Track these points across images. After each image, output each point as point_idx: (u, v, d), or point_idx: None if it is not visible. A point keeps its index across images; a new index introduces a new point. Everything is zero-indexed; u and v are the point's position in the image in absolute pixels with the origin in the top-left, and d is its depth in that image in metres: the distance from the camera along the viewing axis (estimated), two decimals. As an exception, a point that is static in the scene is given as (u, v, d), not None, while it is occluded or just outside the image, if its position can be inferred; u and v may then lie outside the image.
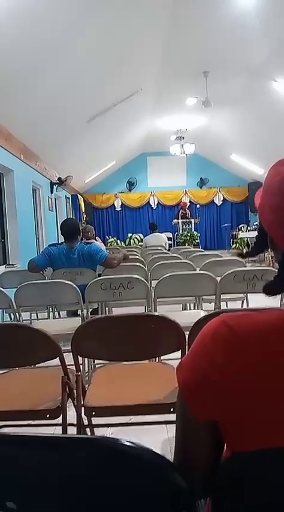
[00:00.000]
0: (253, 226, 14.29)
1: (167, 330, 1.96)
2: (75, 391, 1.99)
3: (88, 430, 2.15)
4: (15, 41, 4.74)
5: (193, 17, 6.31)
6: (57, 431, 1.97)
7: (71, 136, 9.13)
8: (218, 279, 3.43)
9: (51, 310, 4.56)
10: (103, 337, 2.01)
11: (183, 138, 12.84)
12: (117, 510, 0.72)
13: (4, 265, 6.84)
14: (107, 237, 15.46)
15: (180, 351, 1.95)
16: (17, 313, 3.47)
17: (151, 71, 8.18)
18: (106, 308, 4.12)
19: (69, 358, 2.01)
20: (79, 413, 1.93)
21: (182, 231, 14.77)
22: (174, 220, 15.51)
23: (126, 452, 0.71)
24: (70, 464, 0.73)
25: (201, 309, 3.97)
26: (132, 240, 15.00)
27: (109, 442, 0.77)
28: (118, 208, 16.89)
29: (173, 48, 7.22)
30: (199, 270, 4.18)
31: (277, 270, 0.82)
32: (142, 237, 14.10)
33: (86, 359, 2.98)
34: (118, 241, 15.26)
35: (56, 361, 2.00)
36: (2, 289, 3.53)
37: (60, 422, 1.91)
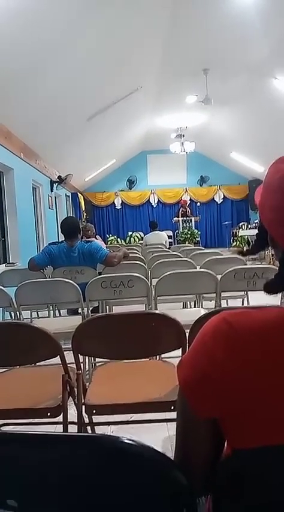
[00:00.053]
0: (254, 224, 14.28)
1: (167, 328, 1.96)
2: (75, 389, 1.99)
3: (89, 428, 2.15)
4: (15, 41, 4.74)
5: (193, 17, 6.30)
6: (58, 429, 1.97)
7: (71, 135, 9.13)
8: (219, 277, 3.43)
9: (51, 308, 4.56)
10: (103, 336, 2.01)
11: (183, 136, 12.83)
12: (117, 507, 0.72)
13: (4, 264, 6.84)
14: (107, 236, 15.45)
15: (180, 349, 1.95)
16: (17, 312, 3.48)
17: (151, 71, 8.18)
18: (107, 306, 4.11)
19: (69, 357, 2.01)
20: (80, 411, 1.93)
21: (182, 229, 14.75)
22: (174, 219, 15.49)
23: (126, 450, 0.71)
24: (71, 463, 0.73)
25: (202, 307, 3.97)
26: (132, 239, 14.99)
27: (110, 440, 0.77)
28: (118, 207, 16.88)
29: (173, 47, 7.22)
30: (200, 268, 4.18)
31: (277, 268, 0.82)
32: (142, 235, 14.08)
33: (87, 357, 2.98)
34: (119, 239, 15.26)
35: (57, 360, 2.00)
36: (2, 287, 3.53)
37: (61, 420, 1.91)
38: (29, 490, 0.73)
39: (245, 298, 4.22)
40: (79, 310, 3.62)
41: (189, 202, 16.22)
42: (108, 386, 2.12)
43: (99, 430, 2.38)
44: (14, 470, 0.73)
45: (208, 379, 0.75)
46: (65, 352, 1.98)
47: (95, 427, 2.28)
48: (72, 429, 1.95)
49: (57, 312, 4.59)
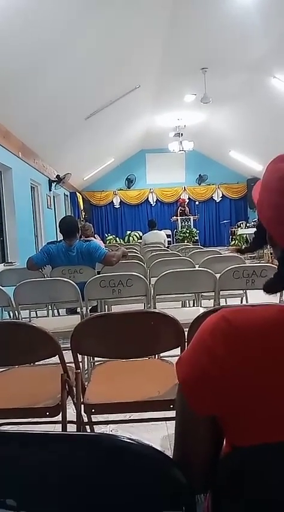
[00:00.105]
0: (252, 223, 14.30)
1: (166, 327, 1.96)
2: (74, 388, 1.99)
3: (88, 427, 2.15)
4: (15, 41, 4.73)
5: (193, 17, 6.31)
6: (57, 429, 1.97)
7: (70, 134, 9.13)
8: (218, 275, 3.43)
9: (50, 308, 4.55)
10: (102, 335, 2.01)
11: (182, 134, 12.84)
12: (117, 506, 0.72)
13: (3, 263, 6.84)
14: (106, 235, 15.46)
15: (179, 347, 1.95)
16: (16, 311, 3.47)
17: (151, 70, 8.18)
18: (106, 305, 4.12)
19: (68, 356, 2.01)
20: (78, 410, 1.93)
21: (181, 228, 14.77)
22: (173, 217, 15.52)
23: (126, 449, 0.71)
24: (70, 462, 0.73)
25: (200, 306, 3.97)
26: (131, 238, 15.01)
27: (109, 439, 0.77)
28: (117, 206, 16.87)
29: (173, 47, 7.23)
30: (198, 266, 4.18)
31: (276, 267, 0.81)
32: (141, 234, 14.09)
33: (86, 356, 2.98)
34: (117, 238, 15.27)
35: (56, 359, 2.00)
36: (1, 287, 3.53)
37: (60, 419, 1.90)
38: (28, 490, 0.73)
39: (244, 297, 4.23)
40: (78, 310, 3.62)
41: (187, 201, 16.26)
42: (107, 386, 2.12)
43: (98, 429, 2.39)
44: (13, 470, 0.73)
45: (207, 377, 0.75)
46: (63, 352, 1.98)
47: (94, 426, 2.28)
48: (71, 428, 1.95)
49: (55, 311, 4.59)
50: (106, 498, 0.72)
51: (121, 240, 14.85)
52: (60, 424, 1.91)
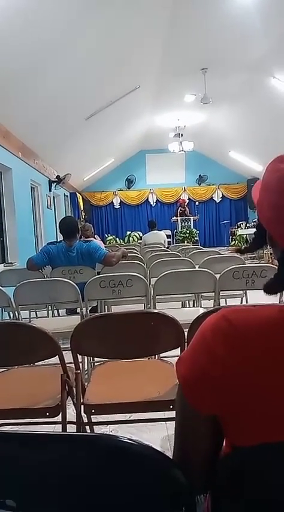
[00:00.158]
0: (252, 223, 14.31)
1: (166, 327, 1.96)
2: (74, 389, 1.99)
3: (87, 428, 2.15)
4: (15, 41, 4.74)
5: (193, 17, 6.32)
6: (57, 429, 1.97)
7: (70, 134, 9.13)
8: (218, 276, 3.43)
9: (50, 308, 4.55)
10: (102, 335, 2.01)
11: (182, 135, 12.84)
12: (117, 506, 0.72)
13: (3, 264, 6.84)
14: (106, 235, 15.46)
15: (179, 348, 1.95)
16: (16, 312, 3.47)
17: (151, 71, 8.19)
18: (106, 306, 4.12)
19: (68, 356, 2.01)
20: (78, 411, 1.93)
21: (181, 229, 14.77)
22: (173, 218, 15.52)
23: (126, 449, 0.71)
24: (70, 462, 0.73)
25: (200, 306, 3.97)
26: (131, 238, 15.02)
27: (109, 439, 0.77)
28: (117, 206, 16.87)
29: (173, 47, 7.23)
30: (198, 267, 4.18)
31: (276, 267, 0.81)
32: (141, 234, 14.09)
33: (85, 357, 2.98)
34: (117, 239, 15.27)
35: (55, 359, 2.00)
36: (1, 287, 3.53)
37: (60, 420, 1.90)
38: (28, 490, 0.73)
39: (244, 298, 4.22)
40: (78, 310, 3.62)
41: (187, 201, 16.26)
42: (107, 386, 2.12)
43: (98, 429, 2.39)
44: (13, 470, 0.73)
45: (207, 376, 0.75)
46: (63, 352, 1.98)
47: (94, 426, 2.28)
48: (71, 429, 1.95)
49: (55, 311, 4.59)
50: (106, 499, 0.72)
51: (121, 241, 14.86)
52: (60, 425, 1.91)
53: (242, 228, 14.64)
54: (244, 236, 13.49)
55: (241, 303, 4.24)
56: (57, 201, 12.16)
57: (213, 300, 3.62)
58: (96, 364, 2.87)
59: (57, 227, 5.53)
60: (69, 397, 2.00)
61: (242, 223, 15.35)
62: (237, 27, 6.39)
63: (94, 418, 2.18)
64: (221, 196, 16.90)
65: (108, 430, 2.54)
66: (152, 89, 9.32)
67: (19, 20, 4.46)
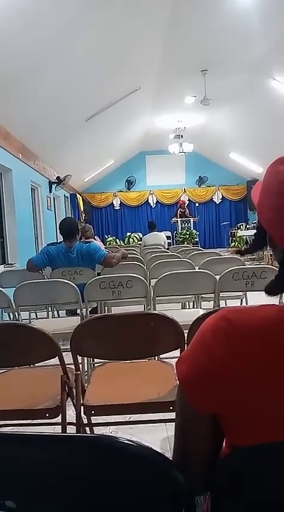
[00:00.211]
0: (252, 225, 14.31)
1: (166, 329, 1.96)
2: (74, 390, 1.99)
3: (87, 429, 2.15)
4: (15, 41, 4.74)
5: (193, 17, 6.32)
6: (57, 430, 1.97)
7: (70, 135, 9.13)
8: (217, 277, 3.43)
9: (50, 309, 4.56)
10: (102, 336, 2.01)
11: (182, 136, 12.84)
12: (117, 507, 0.72)
13: (3, 265, 6.83)
14: (106, 236, 15.46)
15: (178, 349, 1.95)
16: (16, 313, 3.47)
17: (151, 71, 8.19)
18: (106, 307, 4.12)
19: (68, 358, 2.01)
20: (78, 412, 1.93)
21: (181, 230, 14.78)
22: (172, 219, 15.53)
23: (125, 450, 0.71)
24: (70, 463, 0.73)
25: (200, 308, 3.97)
26: (131, 239, 15.02)
27: (109, 440, 0.77)
28: (117, 207, 16.88)
29: (173, 48, 7.23)
30: (198, 268, 4.18)
31: (276, 269, 0.82)
32: (141, 236, 14.10)
33: (85, 358, 2.98)
34: (117, 240, 15.27)
35: (55, 361, 2.00)
36: (1, 288, 3.53)
37: (60, 421, 1.90)
38: (28, 490, 0.73)
39: (244, 299, 4.22)
40: (78, 311, 3.62)
41: (187, 202, 16.25)
42: (107, 387, 2.12)
43: (98, 430, 2.38)
44: (13, 470, 0.73)
45: (208, 376, 0.75)
46: (63, 353, 1.98)
47: (94, 427, 2.28)
48: (71, 430, 1.95)
49: (55, 312, 4.59)
50: (105, 500, 0.71)
51: (121, 242, 14.85)
52: (60, 426, 1.91)
53: (242, 230, 14.64)
54: (244, 237, 13.49)
55: (241, 304, 4.24)
56: (57, 202, 12.16)
57: (212, 302, 3.62)
58: (96, 365, 2.87)
59: (57, 228, 5.52)
60: (69, 398, 2.00)
61: (242, 225, 15.35)
62: (237, 27, 6.39)
63: (94, 419, 2.18)
64: (221, 197, 16.90)
65: (107, 431, 2.53)
66: (152, 90, 9.33)
67: (19, 20, 4.46)
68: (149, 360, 2.53)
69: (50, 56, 5.53)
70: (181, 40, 6.99)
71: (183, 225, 14.98)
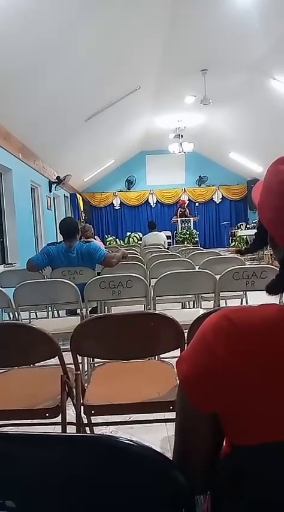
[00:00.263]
0: (252, 224, 14.32)
1: (166, 328, 1.96)
2: (74, 390, 1.99)
3: (87, 429, 2.15)
4: (15, 41, 4.74)
5: (192, 17, 6.32)
6: (57, 430, 1.97)
7: (70, 135, 9.13)
8: (218, 277, 3.43)
9: (50, 309, 4.56)
10: (102, 336, 2.01)
11: (182, 136, 12.84)
12: (117, 507, 0.71)
13: (3, 265, 6.83)
14: (106, 236, 15.46)
15: (179, 349, 1.95)
16: (16, 313, 3.47)
17: (151, 71, 8.19)
18: (106, 307, 4.12)
19: (68, 357, 2.01)
20: (78, 412, 1.92)
21: (181, 229, 14.78)
22: (173, 219, 15.53)
23: (125, 450, 0.71)
24: (70, 463, 0.73)
25: (200, 307, 3.97)
26: (131, 239, 15.02)
27: (109, 440, 0.77)
28: (117, 207, 16.87)
29: (173, 47, 7.24)
30: (198, 268, 4.18)
31: (277, 268, 0.82)
32: (141, 235, 14.10)
33: (85, 358, 2.98)
34: (117, 240, 15.27)
35: (55, 360, 2.00)
36: (1, 288, 3.53)
37: (60, 421, 1.90)
38: (28, 490, 0.73)
39: (244, 299, 4.22)
40: (78, 311, 3.62)
41: (187, 202, 16.25)
42: (107, 387, 2.11)
43: (98, 430, 2.39)
44: (14, 470, 0.73)
45: (208, 375, 0.75)
46: (63, 353, 1.98)
47: (94, 427, 2.28)
48: (71, 430, 1.95)
49: (55, 312, 4.59)
50: (106, 500, 0.71)
51: (121, 242, 14.86)
52: (60, 426, 1.91)
53: (242, 229, 14.64)
54: (244, 237, 13.49)
55: (241, 304, 4.24)
56: (57, 201, 12.16)
57: (212, 301, 3.62)
58: (96, 365, 2.87)
59: (57, 228, 5.52)
60: (69, 398, 2.00)
61: (242, 224, 15.36)
62: (237, 27, 6.39)
63: (94, 419, 2.18)
64: (221, 197, 16.90)
65: (107, 431, 2.53)
66: (152, 90, 9.33)
67: (19, 20, 4.45)
68: (149, 359, 2.53)
69: (50, 56, 5.53)
70: (181, 40, 6.99)
71: (183, 225, 14.98)
